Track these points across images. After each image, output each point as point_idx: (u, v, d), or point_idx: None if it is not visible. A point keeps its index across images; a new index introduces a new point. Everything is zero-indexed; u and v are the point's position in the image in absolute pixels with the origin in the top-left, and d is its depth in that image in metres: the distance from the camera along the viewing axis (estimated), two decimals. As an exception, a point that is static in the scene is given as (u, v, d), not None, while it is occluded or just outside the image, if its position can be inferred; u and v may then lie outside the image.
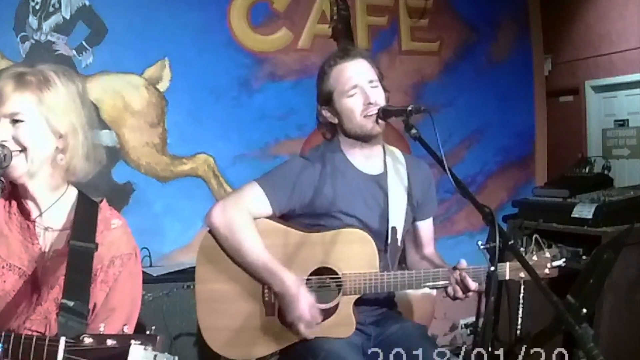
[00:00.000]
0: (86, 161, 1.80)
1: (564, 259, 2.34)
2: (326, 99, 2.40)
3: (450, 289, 2.28)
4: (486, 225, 1.94)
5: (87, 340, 1.43)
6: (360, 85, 2.34)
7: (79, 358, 1.43)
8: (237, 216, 2.31)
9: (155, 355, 1.38)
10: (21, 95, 1.71)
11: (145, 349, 1.38)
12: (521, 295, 3.10)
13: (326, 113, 2.43)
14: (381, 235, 2.40)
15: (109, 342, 1.42)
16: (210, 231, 2.36)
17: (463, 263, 2.26)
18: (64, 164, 1.78)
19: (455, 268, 2.27)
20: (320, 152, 2.45)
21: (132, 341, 1.39)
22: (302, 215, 2.41)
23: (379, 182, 2.45)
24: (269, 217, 2.38)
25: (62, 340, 1.44)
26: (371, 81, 2.37)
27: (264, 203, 2.35)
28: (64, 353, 1.44)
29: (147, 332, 1.43)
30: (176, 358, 1.41)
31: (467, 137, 4.70)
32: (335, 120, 2.41)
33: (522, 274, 2.27)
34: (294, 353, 2.32)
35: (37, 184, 1.77)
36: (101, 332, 1.46)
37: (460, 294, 2.27)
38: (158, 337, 1.42)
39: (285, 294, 2.26)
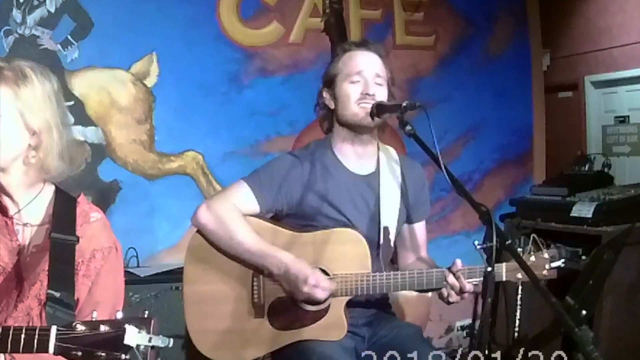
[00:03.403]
0: (60, 160, 1.78)
1: (563, 260, 2.29)
2: (330, 80, 2.39)
3: (444, 291, 2.22)
4: (483, 225, 1.92)
5: (80, 328, 1.40)
6: (364, 75, 2.33)
7: (72, 345, 1.40)
8: (223, 209, 2.29)
9: (150, 338, 1.37)
10: None
11: (139, 332, 1.37)
12: (519, 296, 3.09)
13: (326, 95, 2.41)
14: (371, 238, 2.36)
15: (102, 327, 1.39)
16: (198, 231, 2.34)
17: (458, 263, 2.21)
18: (37, 162, 1.75)
19: (449, 269, 2.21)
20: (310, 151, 2.43)
21: (126, 325, 1.37)
22: (291, 216, 2.38)
23: (370, 182, 2.42)
24: (258, 216, 2.35)
25: (54, 328, 1.41)
26: (377, 76, 2.35)
27: (252, 201, 2.33)
28: (56, 341, 1.40)
29: (141, 316, 1.42)
30: (171, 340, 1.38)
31: (464, 134, 4.67)
32: (332, 105, 2.39)
33: (519, 275, 2.22)
34: (285, 356, 2.30)
35: (11, 180, 1.75)
36: (94, 319, 1.43)
37: (455, 297, 2.21)
38: (152, 320, 1.39)
39: (287, 274, 2.22)
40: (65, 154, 1.78)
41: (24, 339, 1.44)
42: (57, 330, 1.41)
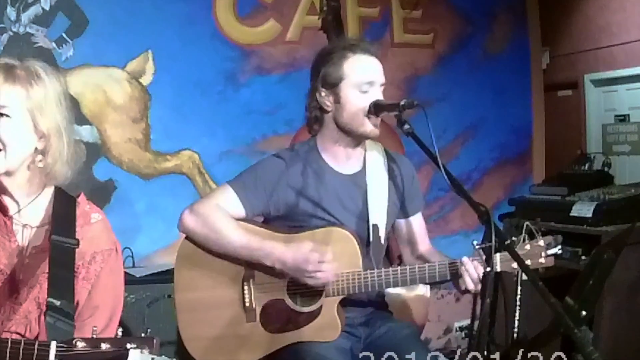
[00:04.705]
0: (68, 166, 1.76)
1: (559, 247, 2.23)
2: (333, 82, 2.31)
3: (461, 281, 2.19)
4: (482, 225, 1.91)
5: (80, 344, 1.39)
6: (375, 85, 2.30)
7: None
8: (207, 210, 2.30)
9: (153, 359, 1.36)
10: (11, 88, 1.66)
11: (142, 352, 1.36)
12: (518, 297, 3.05)
13: (326, 96, 2.33)
14: (361, 236, 2.35)
15: (104, 346, 1.38)
16: (187, 238, 2.35)
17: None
18: (44, 167, 1.72)
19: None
20: (295, 152, 2.41)
21: (129, 345, 1.36)
22: (278, 218, 2.37)
23: (356, 181, 2.41)
24: (245, 220, 2.34)
25: (53, 344, 1.40)
26: (382, 85, 2.33)
27: (237, 205, 2.32)
28: (56, 358, 1.40)
29: (143, 335, 1.41)
30: None
31: (462, 133, 4.65)
32: (329, 107, 2.33)
33: (514, 265, 2.17)
34: (280, 359, 2.29)
35: (14, 182, 1.72)
36: (94, 336, 1.42)
37: (472, 284, 2.16)
38: (155, 340, 1.39)
39: (281, 263, 2.23)
40: (71, 160, 1.76)
41: (23, 353, 1.43)
42: (57, 346, 1.40)
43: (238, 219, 2.31)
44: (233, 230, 2.27)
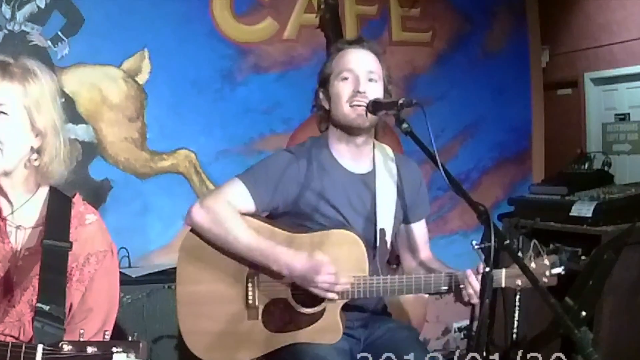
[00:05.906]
0: (64, 164, 1.75)
1: (563, 267, 2.24)
2: (324, 80, 2.37)
3: (465, 293, 2.17)
4: (481, 224, 1.89)
5: (67, 348, 1.40)
6: (355, 72, 2.29)
7: None
8: (218, 207, 2.26)
9: None
10: (9, 85, 1.65)
11: (127, 356, 1.37)
12: (517, 297, 3.05)
13: (321, 95, 2.38)
14: (368, 239, 2.32)
15: (90, 349, 1.39)
16: (192, 230, 2.31)
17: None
18: (40, 165, 1.71)
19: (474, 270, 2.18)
20: (306, 148, 2.39)
21: (114, 348, 1.36)
22: (286, 214, 2.34)
23: (366, 181, 2.39)
24: (252, 215, 2.32)
25: (40, 347, 1.41)
26: (370, 73, 2.31)
27: (247, 200, 2.28)
28: None
29: (130, 338, 1.40)
30: None
31: (461, 132, 4.65)
32: (327, 105, 2.36)
33: (519, 282, 2.18)
34: (279, 359, 2.27)
35: (11, 181, 1.71)
36: (81, 339, 1.43)
37: (475, 298, 2.15)
38: (141, 344, 1.39)
39: (289, 270, 2.20)
40: (66, 159, 1.75)
41: (10, 356, 1.43)
42: (44, 349, 1.40)
43: (247, 214, 2.29)
44: (243, 231, 2.23)
